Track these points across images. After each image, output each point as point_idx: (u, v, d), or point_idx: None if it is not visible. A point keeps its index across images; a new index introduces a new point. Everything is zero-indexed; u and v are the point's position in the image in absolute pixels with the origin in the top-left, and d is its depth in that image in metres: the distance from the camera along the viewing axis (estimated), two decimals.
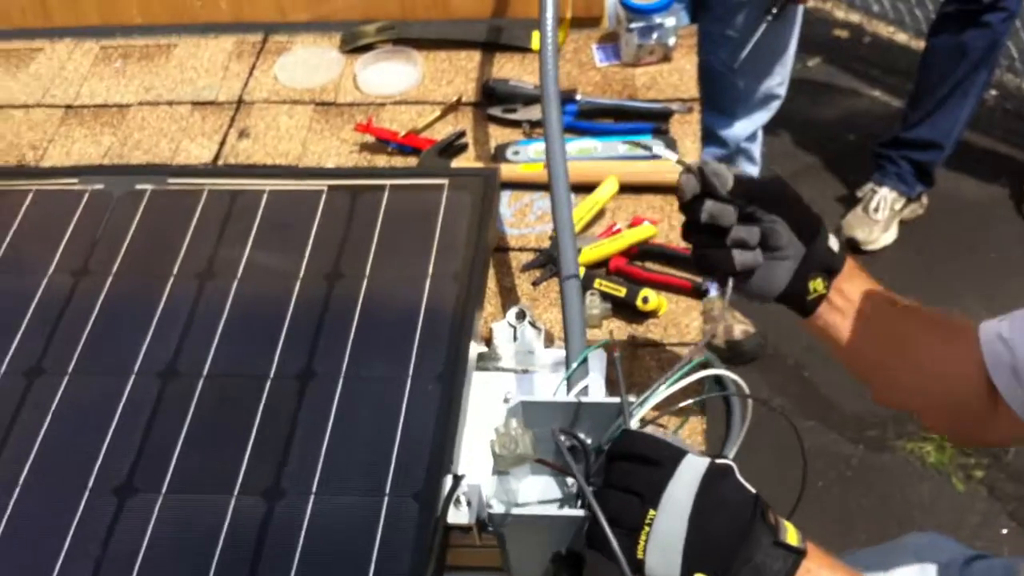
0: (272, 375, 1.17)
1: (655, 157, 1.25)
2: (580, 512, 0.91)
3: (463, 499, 0.98)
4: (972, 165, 3.25)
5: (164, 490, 1.08)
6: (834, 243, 1.08)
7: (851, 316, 1.11)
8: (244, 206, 1.35)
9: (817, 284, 1.08)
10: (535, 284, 1.39)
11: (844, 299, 1.11)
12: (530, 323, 1.25)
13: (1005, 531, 2.33)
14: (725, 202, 1.02)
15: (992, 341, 1.10)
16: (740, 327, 2.71)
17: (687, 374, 0.97)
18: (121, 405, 1.16)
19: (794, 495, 1.08)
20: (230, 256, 1.30)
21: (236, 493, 1.07)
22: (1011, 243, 3.03)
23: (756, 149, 2.49)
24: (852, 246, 3.00)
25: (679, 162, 1.05)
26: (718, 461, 0.87)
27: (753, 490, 0.86)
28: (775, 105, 2.41)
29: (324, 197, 1.35)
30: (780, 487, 2.19)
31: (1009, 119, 3.45)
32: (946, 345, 1.13)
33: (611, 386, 1.17)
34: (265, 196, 1.35)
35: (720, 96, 2.27)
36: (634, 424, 0.96)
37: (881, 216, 3.00)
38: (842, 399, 2.61)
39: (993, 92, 3.53)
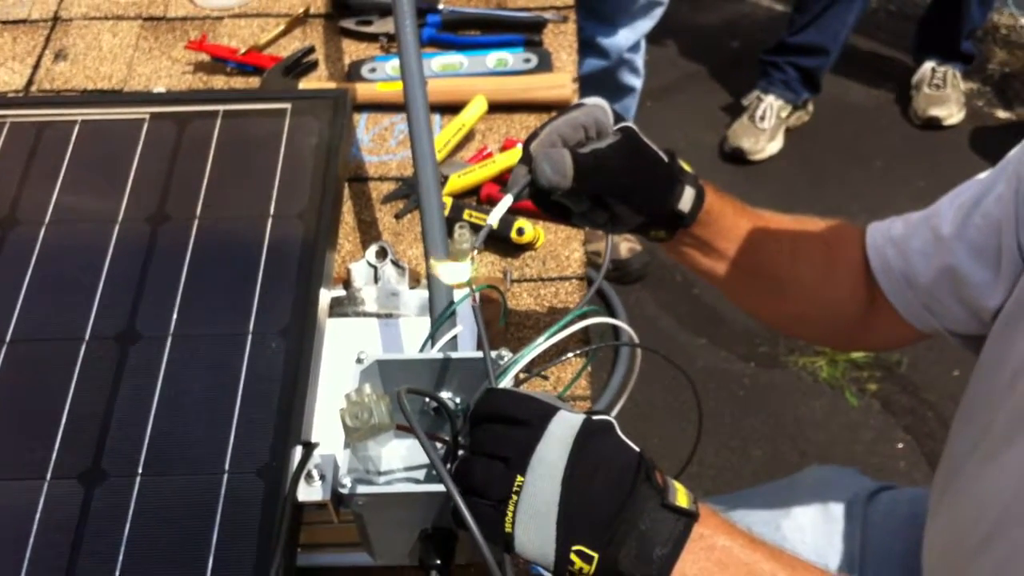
0: (88, 337, 1.02)
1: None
2: (442, 486, 0.79)
3: (315, 473, 0.87)
4: (857, 70, 3.22)
5: None
6: (686, 202, 1.01)
7: (711, 253, 1.08)
8: (52, 140, 1.18)
9: (659, 233, 1.04)
10: (398, 217, 1.27)
11: (700, 242, 1.07)
12: (392, 261, 1.15)
13: (900, 445, 2.31)
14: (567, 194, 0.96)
15: (881, 245, 1.09)
16: (626, 245, 2.63)
17: (566, 326, 0.85)
18: None
19: (687, 438, 0.99)
20: (36, 199, 1.13)
21: (49, 478, 0.93)
22: (897, 149, 3.02)
23: (639, 59, 2.38)
24: (738, 156, 2.96)
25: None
26: (595, 417, 0.76)
27: (636, 448, 0.76)
28: (657, 12, 2.29)
29: (146, 127, 1.18)
30: (671, 425, 2.12)
31: (893, 21, 3.42)
32: (824, 254, 1.11)
33: (489, 332, 1.06)
34: (77, 128, 1.19)
35: (599, 3, 2.14)
36: (507, 381, 0.84)
37: (767, 125, 2.95)
38: (733, 315, 2.56)
39: None
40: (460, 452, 0.84)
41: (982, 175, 1.06)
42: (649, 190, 0.98)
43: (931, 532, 1.12)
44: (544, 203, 0.98)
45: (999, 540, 0.95)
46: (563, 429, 0.75)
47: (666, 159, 0.99)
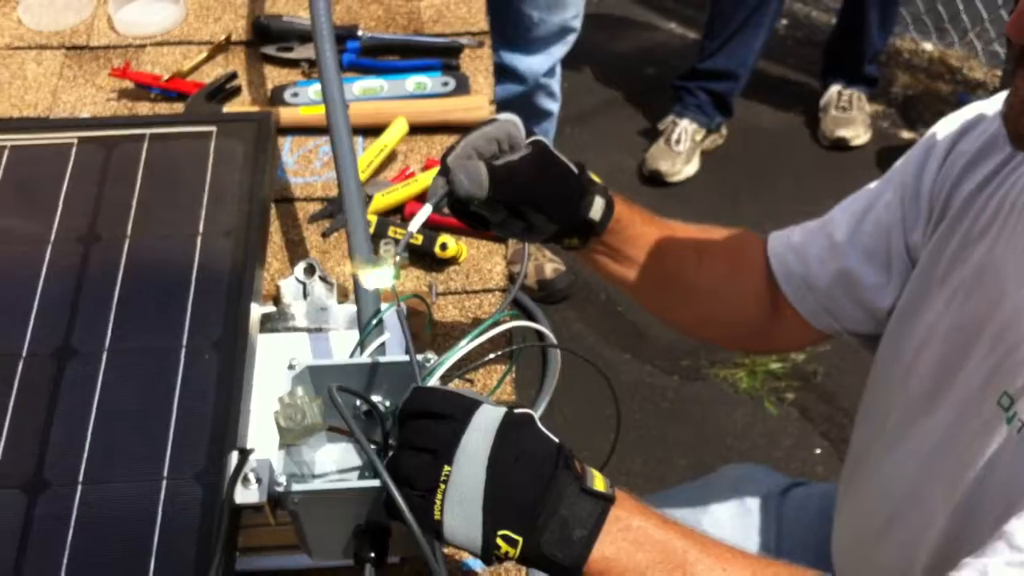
0: (25, 354, 1.03)
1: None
2: (374, 481, 0.83)
3: (251, 476, 0.89)
4: (768, 94, 3.32)
5: None
6: (597, 211, 1.06)
7: (622, 260, 1.13)
8: None
9: (572, 241, 1.09)
10: (325, 235, 1.30)
11: (611, 250, 1.12)
12: (321, 277, 1.17)
13: (818, 451, 2.38)
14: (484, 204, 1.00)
15: (782, 252, 1.16)
16: (551, 265, 2.69)
17: (487, 329, 0.90)
18: None
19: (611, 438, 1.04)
20: None
21: None
22: (807, 169, 3.12)
23: (555, 84, 2.45)
24: (657, 179, 3.03)
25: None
26: (516, 410, 0.81)
27: (555, 439, 0.80)
28: (571, 38, 2.36)
29: (74, 151, 1.20)
30: (600, 437, 2.16)
31: (800, 47, 3.54)
32: (728, 261, 1.17)
33: (416, 342, 1.10)
34: (6, 153, 1.20)
35: (514, 29, 2.21)
36: (433, 382, 0.89)
37: (683, 148, 3.03)
38: (656, 331, 2.62)
39: (784, 21, 3.60)
40: (391, 453, 0.88)
41: (872, 185, 1.13)
42: (561, 199, 1.03)
43: (839, 522, 1.18)
44: (462, 213, 1.02)
45: (899, 525, 1.01)
46: (486, 421, 0.79)
47: (576, 171, 1.04)
